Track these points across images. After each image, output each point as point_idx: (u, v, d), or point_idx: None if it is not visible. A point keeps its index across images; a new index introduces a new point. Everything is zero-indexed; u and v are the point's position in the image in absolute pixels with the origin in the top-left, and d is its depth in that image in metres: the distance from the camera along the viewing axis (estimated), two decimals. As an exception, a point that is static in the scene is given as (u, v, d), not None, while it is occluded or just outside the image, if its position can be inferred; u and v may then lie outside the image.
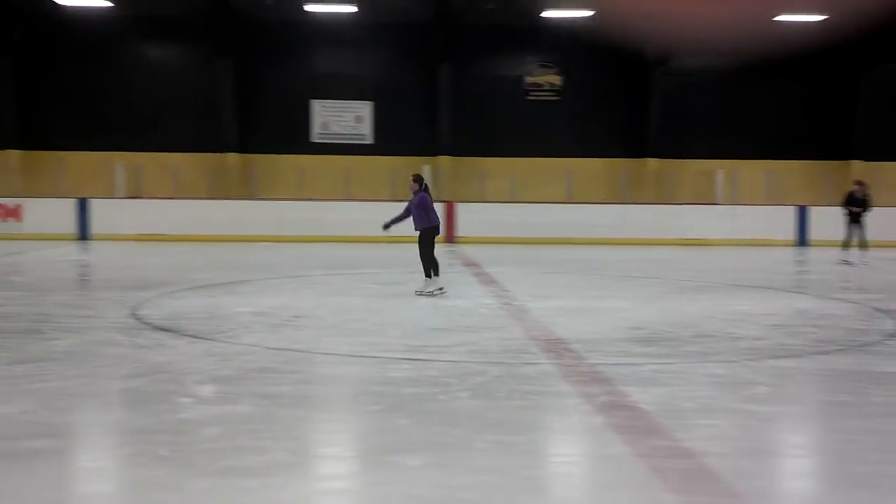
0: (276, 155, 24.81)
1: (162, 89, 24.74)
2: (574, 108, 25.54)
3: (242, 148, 24.82)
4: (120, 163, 23.65)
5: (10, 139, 24.22)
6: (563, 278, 14.53)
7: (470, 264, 16.48)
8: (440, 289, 11.28)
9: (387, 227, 11.65)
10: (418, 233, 11.36)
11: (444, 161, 24.86)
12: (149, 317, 9.21)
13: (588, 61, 24.75)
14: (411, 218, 11.36)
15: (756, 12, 21.90)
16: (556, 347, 7.78)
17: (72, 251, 18.86)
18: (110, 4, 21.96)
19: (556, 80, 25.59)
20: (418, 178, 11.54)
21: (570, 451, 5.13)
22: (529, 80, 25.58)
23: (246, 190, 24.36)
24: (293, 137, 25.00)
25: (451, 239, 22.39)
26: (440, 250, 19.77)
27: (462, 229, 22.52)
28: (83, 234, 21.98)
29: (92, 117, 24.60)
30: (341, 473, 4.58)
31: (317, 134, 25.22)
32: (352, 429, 5.41)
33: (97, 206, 22.20)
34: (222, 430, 5.08)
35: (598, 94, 25.68)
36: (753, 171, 24.92)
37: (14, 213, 22.02)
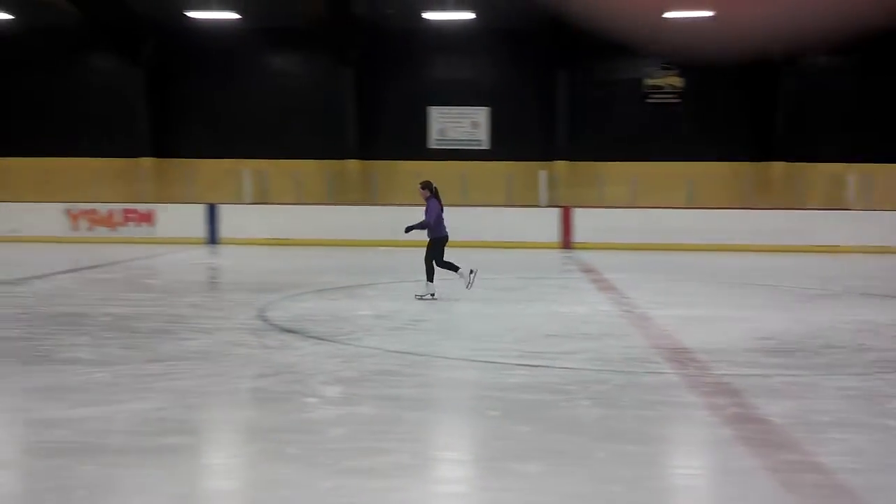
0: (394, 161, 25.19)
1: (287, 98, 25.48)
2: (696, 111, 24.92)
3: (362, 154, 25.30)
4: (247, 169, 24.49)
5: (144, 147, 25.43)
6: (686, 286, 14.18)
7: (587, 270, 16.29)
8: (432, 295, 11.33)
9: (408, 230, 11.78)
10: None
11: (561, 166, 24.68)
12: (275, 318, 9.50)
13: (710, 62, 24.10)
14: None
15: (889, 6, 20.83)
16: (680, 357, 7.60)
17: (201, 255, 19.64)
18: (237, 16, 22.78)
19: (676, 81, 25.04)
20: (426, 185, 11.72)
21: (695, 463, 5.00)
22: (649, 82, 25.11)
23: (365, 195, 24.82)
24: (411, 143, 25.32)
25: (567, 245, 22.18)
26: (556, 256, 19.73)
27: (579, 235, 22.28)
28: (212, 238, 22.86)
29: (220, 126, 25.57)
30: (461, 477, 4.60)
31: (434, 140, 25.47)
32: (472, 433, 5.42)
33: (225, 211, 23.05)
34: (347, 430, 5.18)
35: (721, 96, 24.97)
36: (888, 174, 23.71)
37: (147, 219, 23.08)
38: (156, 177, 25.43)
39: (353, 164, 25.25)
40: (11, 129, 25.75)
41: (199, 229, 22.85)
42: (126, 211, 23.07)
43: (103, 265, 16.39)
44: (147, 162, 25.44)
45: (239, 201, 24.08)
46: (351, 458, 4.65)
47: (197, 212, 23.01)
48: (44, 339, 8.22)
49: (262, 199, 24.52)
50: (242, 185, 24.35)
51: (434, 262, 11.52)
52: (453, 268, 11.57)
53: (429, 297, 11.35)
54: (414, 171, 24.63)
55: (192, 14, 21.91)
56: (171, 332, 8.61)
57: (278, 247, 21.54)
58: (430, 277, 11.44)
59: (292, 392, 6.17)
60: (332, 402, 5.96)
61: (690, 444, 5.30)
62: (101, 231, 22.88)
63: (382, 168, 25.14)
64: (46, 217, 22.86)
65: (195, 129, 25.73)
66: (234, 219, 22.97)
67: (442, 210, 11.65)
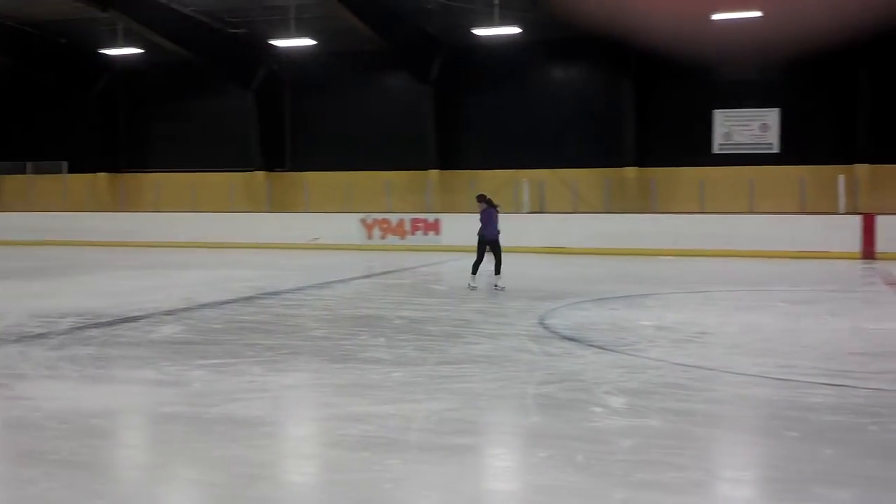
0: (674, 168, 24.52)
1: (564, 108, 25.70)
2: None
3: (641, 161, 24.89)
4: (525, 179, 24.97)
5: (431, 160, 26.75)
6: None
7: (895, 283, 14.85)
8: (473, 286, 13.56)
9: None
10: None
11: (862, 169, 22.74)
12: (556, 326, 9.57)
13: None
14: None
15: None
16: None
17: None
18: (519, 31, 23.31)
19: None
20: (480, 198, 14.26)
21: None
22: (968, 75, 22.49)
23: (644, 203, 24.38)
24: (693, 149, 24.51)
25: (870, 255, 20.36)
26: (857, 267, 18.18)
27: (883, 244, 20.34)
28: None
29: (500, 137, 26.30)
30: (762, 498, 4.36)
31: (718, 145, 24.48)
32: (770, 454, 5.11)
33: (502, 220, 23.51)
34: (636, 442, 5.09)
35: None
36: None
37: (434, 227, 24.24)
38: (441, 188, 26.64)
39: (630, 172, 24.93)
40: (313, 146, 28.21)
41: (481, 238, 23.52)
42: (414, 220, 24.36)
43: (394, 271, 17.42)
44: (434, 174, 26.73)
45: (517, 210, 24.59)
46: (642, 471, 4.56)
47: (477, 221, 23.72)
48: (346, 339, 8.88)
49: (539, 208, 24.87)
50: (521, 195, 24.84)
51: (476, 257, 13.94)
52: (475, 269, 13.81)
53: (471, 286, 13.58)
54: (696, 178, 23.90)
55: (477, 31, 22.71)
56: (459, 336, 8.95)
57: (554, 255, 21.72)
58: (474, 270, 13.78)
59: (577, 400, 6.17)
60: (618, 412, 5.89)
61: None
62: (393, 239, 24.34)
63: (662, 175, 24.56)
64: (344, 226, 24.72)
65: (477, 141, 26.67)
66: (512, 227, 23.33)
67: (492, 217, 14.00)
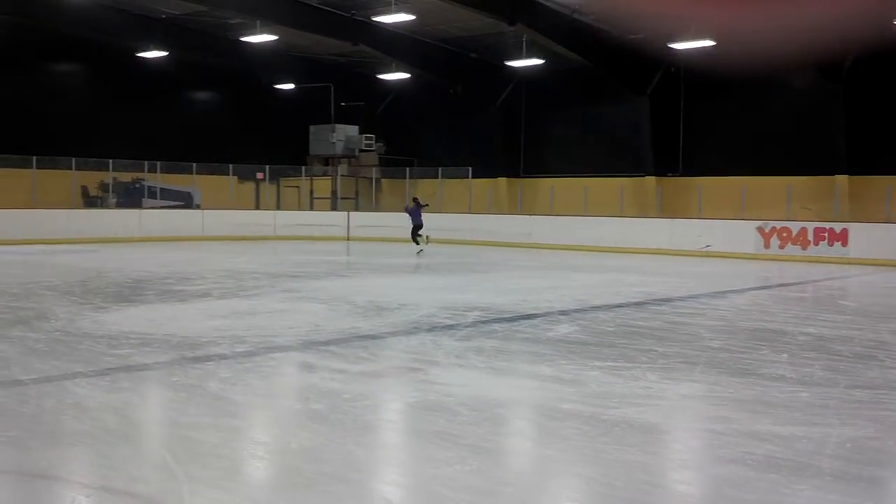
0: None
1: None
2: None
3: None
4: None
5: (838, 164, 24.62)
6: None
7: None
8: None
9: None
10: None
11: None
12: None
13: None
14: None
15: None
16: None
17: (899, 278, 18.24)
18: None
19: None
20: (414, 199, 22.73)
21: None
22: None
23: None
24: None
25: None
26: None
27: None
28: (911, 260, 21.01)
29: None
30: None
31: None
32: None
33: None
34: None
35: None
36: None
37: (840, 238, 22.28)
38: (850, 195, 24.44)
39: None
40: (707, 150, 27.38)
41: (895, 251, 21.20)
42: (818, 229, 22.61)
43: (795, 283, 16.34)
44: (842, 179, 24.62)
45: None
46: None
47: (892, 232, 21.44)
48: (745, 352, 8.45)
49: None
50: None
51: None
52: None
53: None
54: None
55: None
56: (874, 359, 8.10)
57: None
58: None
59: None
60: None
61: None
62: (792, 249, 22.81)
63: None
64: (739, 234, 23.68)
65: (894, 144, 24.07)
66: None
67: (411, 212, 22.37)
